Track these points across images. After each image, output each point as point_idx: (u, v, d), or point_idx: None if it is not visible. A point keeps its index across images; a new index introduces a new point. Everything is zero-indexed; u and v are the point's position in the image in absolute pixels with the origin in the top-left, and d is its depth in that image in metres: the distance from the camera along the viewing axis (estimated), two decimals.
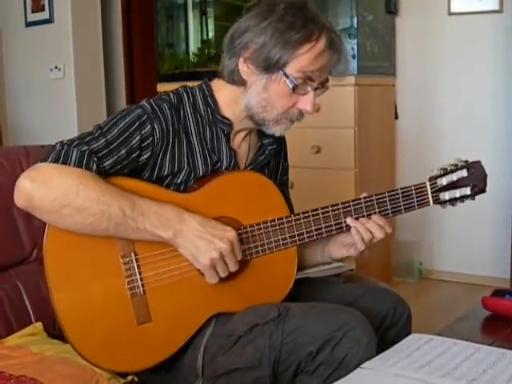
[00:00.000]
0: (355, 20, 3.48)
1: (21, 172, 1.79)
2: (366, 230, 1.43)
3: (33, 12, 4.35)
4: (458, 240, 3.75)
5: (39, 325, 1.66)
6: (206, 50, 4.26)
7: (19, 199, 1.28)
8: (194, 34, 4.35)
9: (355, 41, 3.48)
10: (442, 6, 3.65)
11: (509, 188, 3.39)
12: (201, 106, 1.46)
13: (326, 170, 3.46)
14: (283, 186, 1.63)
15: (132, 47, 4.81)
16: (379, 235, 1.44)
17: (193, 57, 4.28)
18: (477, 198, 1.49)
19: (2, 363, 1.48)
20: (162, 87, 3.95)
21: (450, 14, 3.64)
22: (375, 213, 1.44)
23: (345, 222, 1.44)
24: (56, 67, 4.29)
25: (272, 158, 1.57)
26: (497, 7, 3.49)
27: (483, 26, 3.56)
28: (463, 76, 3.66)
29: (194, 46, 4.34)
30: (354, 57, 3.48)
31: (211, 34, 4.28)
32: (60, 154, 1.28)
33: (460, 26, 3.63)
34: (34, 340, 1.61)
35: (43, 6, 4.28)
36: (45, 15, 4.28)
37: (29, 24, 4.39)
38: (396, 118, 3.84)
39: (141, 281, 1.33)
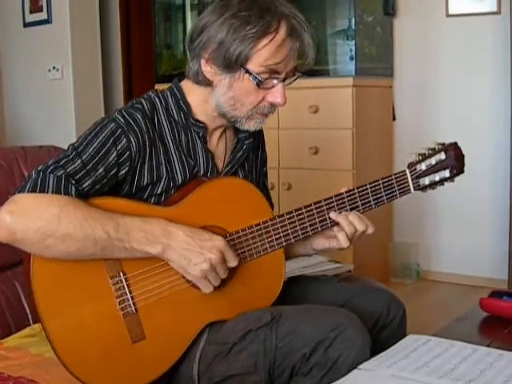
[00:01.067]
0: (353, 21, 3.48)
1: (19, 173, 1.82)
2: (349, 222, 1.42)
3: (31, 12, 4.34)
4: (456, 241, 3.75)
5: (38, 326, 1.65)
6: None
7: (1, 234, 1.23)
8: None
9: (353, 42, 3.48)
10: (440, 8, 3.66)
11: (506, 189, 3.39)
12: (174, 111, 1.43)
13: (323, 171, 3.46)
14: (263, 177, 1.62)
15: (130, 48, 4.81)
16: (360, 227, 1.42)
17: None
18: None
19: (0, 364, 1.48)
20: (159, 88, 3.93)
21: (448, 15, 3.65)
22: (358, 206, 1.44)
23: (329, 217, 1.42)
24: (54, 68, 4.28)
25: (250, 151, 1.54)
26: (495, 9, 3.49)
27: (481, 27, 3.56)
28: (461, 77, 3.67)
29: None
30: (351, 58, 3.48)
31: None
32: (36, 183, 1.23)
33: (458, 27, 3.64)
34: (32, 342, 1.61)
35: (41, 6, 4.27)
36: (43, 16, 4.27)
37: (27, 24, 4.39)
38: (394, 119, 3.84)
39: (132, 299, 1.30)
